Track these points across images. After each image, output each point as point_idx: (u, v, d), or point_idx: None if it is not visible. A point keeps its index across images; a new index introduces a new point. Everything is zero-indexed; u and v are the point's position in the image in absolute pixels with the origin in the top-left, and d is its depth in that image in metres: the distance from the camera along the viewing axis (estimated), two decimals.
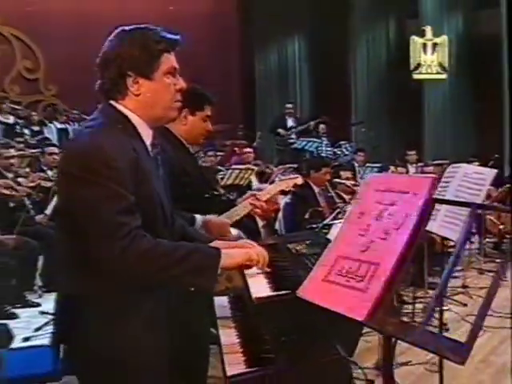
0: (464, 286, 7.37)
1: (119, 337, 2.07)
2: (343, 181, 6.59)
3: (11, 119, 11.37)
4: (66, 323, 2.14)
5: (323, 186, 6.48)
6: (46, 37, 13.77)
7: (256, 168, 8.96)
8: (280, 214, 6.58)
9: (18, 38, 14.16)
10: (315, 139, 12.18)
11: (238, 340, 2.27)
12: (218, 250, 2.12)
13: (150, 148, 2.27)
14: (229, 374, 2.00)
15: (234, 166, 8.74)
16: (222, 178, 8.37)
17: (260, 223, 5.37)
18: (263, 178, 9.54)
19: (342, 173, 7.16)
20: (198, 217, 3.26)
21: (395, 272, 1.71)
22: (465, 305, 6.75)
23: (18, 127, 10.99)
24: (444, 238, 8.11)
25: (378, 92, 14.59)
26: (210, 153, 10.05)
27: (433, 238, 7.81)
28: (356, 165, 11.11)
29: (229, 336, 2.28)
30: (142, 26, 2.30)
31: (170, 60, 2.23)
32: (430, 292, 7.27)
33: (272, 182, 8.32)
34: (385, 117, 14.21)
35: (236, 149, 11.65)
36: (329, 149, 12.35)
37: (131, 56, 2.16)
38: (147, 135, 2.26)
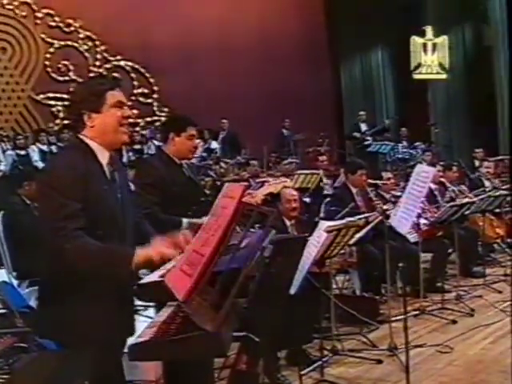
0: (506, 275, 7.21)
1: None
2: (375, 181, 6.66)
3: None
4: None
5: (361, 187, 6.58)
6: (157, 67, 14.64)
7: (321, 172, 9.12)
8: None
9: (135, 68, 15.09)
10: (389, 142, 12.22)
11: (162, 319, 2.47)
12: (133, 252, 2.49)
13: (106, 167, 2.71)
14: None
15: (299, 172, 8.98)
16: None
17: (288, 223, 5.59)
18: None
19: (383, 173, 7.19)
20: (185, 220, 3.67)
21: (209, 261, 1.96)
22: (500, 292, 6.65)
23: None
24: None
25: (455, 95, 14.28)
26: (286, 161, 10.33)
27: (477, 230, 7.70)
28: (424, 163, 11.05)
29: (161, 314, 2.50)
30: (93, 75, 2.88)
31: (114, 96, 2.69)
32: (474, 281, 7.22)
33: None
34: (461, 118, 13.88)
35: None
36: (405, 150, 12.35)
37: (82, 99, 2.69)
38: (103, 157, 2.71)
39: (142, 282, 2.39)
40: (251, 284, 2.67)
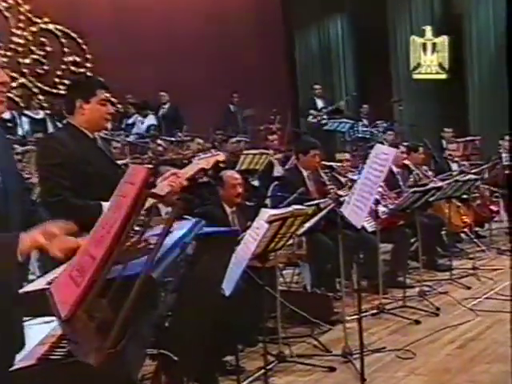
0: (474, 268, 7.03)
1: None
2: (330, 163, 6.40)
3: (41, 114, 11.84)
4: None
5: (313, 170, 6.29)
6: (90, 31, 14.04)
7: (270, 152, 8.82)
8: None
9: (65, 32, 14.44)
10: (348, 120, 11.96)
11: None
12: (16, 237, 2.10)
13: None
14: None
15: (246, 152, 8.65)
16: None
17: (228, 210, 5.28)
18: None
19: (337, 155, 6.91)
20: (105, 204, 3.29)
21: (101, 267, 1.61)
22: (468, 288, 6.47)
23: (49, 121, 11.43)
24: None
25: None
26: (233, 139, 9.95)
27: (442, 218, 7.52)
28: (386, 144, 10.82)
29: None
30: None
31: None
32: (440, 275, 7.03)
33: None
34: (429, 95, 13.74)
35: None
36: (365, 129, 12.13)
37: None
38: None
39: (23, 290, 2.02)
40: (172, 289, 2.38)
